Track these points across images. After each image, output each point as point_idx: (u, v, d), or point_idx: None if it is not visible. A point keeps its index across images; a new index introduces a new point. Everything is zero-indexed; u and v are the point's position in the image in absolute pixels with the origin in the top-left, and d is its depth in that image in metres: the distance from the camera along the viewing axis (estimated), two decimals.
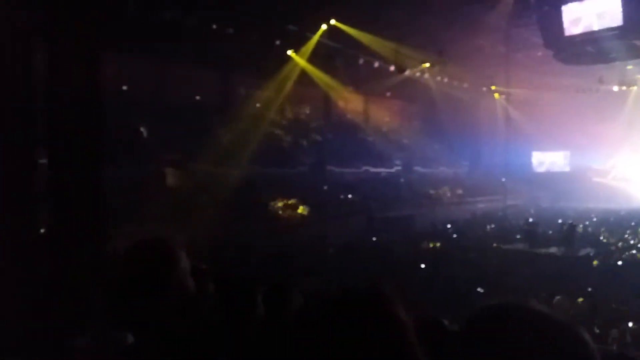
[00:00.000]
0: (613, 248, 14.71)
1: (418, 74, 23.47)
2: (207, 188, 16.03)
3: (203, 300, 1.74)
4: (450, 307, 9.22)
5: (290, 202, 18.37)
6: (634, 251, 13.98)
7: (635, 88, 26.78)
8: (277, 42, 18.94)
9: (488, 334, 0.88)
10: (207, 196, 15.63)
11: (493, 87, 27.19)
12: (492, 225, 20.02)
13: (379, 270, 11.80)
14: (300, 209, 17.94)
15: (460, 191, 25.69)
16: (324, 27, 18.03)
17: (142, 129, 17.29)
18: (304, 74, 21.20)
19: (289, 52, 19.96)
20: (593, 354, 0.87)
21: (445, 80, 24.58)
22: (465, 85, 26.04)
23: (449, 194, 25.13)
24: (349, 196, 20.80)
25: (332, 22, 17.86)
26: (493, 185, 26.94)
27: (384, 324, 0.96)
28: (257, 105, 21.66)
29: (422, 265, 12.22)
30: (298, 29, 18.65)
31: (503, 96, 28.03)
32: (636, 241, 15.54)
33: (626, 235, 16.53)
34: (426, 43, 20.47)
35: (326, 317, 0.99)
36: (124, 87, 17.76)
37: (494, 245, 16.03)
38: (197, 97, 19.82)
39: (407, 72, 21.51)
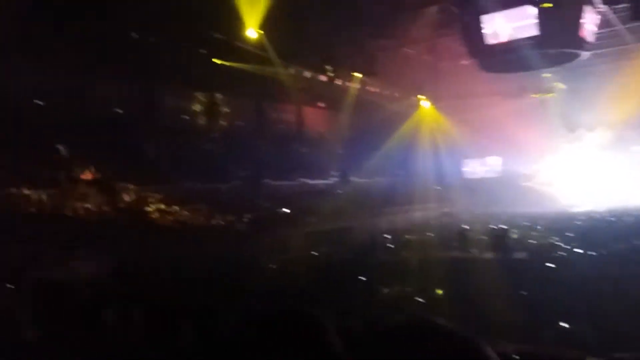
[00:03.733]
0: (542, 250, 15.11)
1: (349, 84, 23.49)
2: (131, 208, 15.02)
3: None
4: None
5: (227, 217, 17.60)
6: (562, 252, 14.43)
7: (552, 95, 28.24)
8: (204, 51, 18.29)
9: (395, 348, 0.91)
10: (129, 217, 14.63)
11: (422, 97, 27.75)
12: (429, 234, 20.16)
13: (319, 285, 11.36)
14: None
15: (396, 200, 25.86)
16: (251, 34, 17.48)
17: (59, 146, 16.01)
18: (234, 82, 20.64)
19: (216, 61, 19.30)
20: None
21: (377, 90, 24.80)
22: (397, 94, 26.42)
23: (384, 204, 25.20)
24: (286, 210, 20.30)
25: (255, 30, 17.39)
26: (428, 193, 27.38)
27: (313, 347, 0.99)
28: (185, 117, 20.80)
29: (363, 278, 11.92)
30: (225, 37, 18.09)
31: (433, 105, 28.68)
32: (562, 243, 16.07)
33: (555, 237, 17.08)
34: (356, 53, 20.58)
35: (255, 341, 1.04)
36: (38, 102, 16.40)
37: (436, 254, 16.07)
38: (119, 110, 18.64)
39: (339, 82, 21.43)
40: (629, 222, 19.22)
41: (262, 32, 17.44)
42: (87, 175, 15.20)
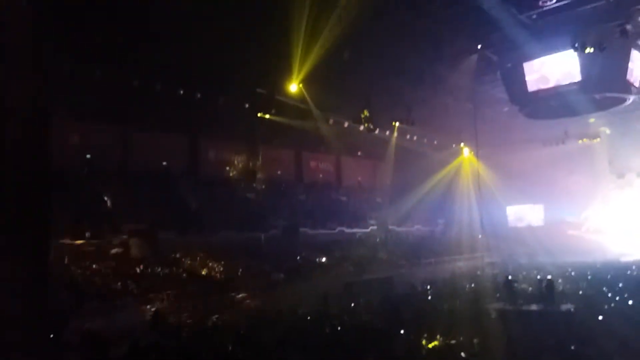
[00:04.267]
0: (591, 302, 14.35)
1: (388, 133, 23.65)
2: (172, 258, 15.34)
3: None
4: None
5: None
6: (612, 304, 13.65)
7: (598, 140, 27.50)
8: (246, 105, 18.93)
9: None
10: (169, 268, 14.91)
11: (463, 144, 27.57)
12: (472, 285, 19.51)
13: (359, 340, 11.12)
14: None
15: (437, 249, 25.30)
16: (292, 88, 18.00)
17: (105, 198, 16.65)
18: (275, 134, 21.19)
19: (259, 114, 19.93)
20: None
21: (415, 138, 24.84)
22: (436, 142, 26.37)
23: (426, 254, 24.70)
24: (323, 259, 20.17)
25: (299, 85, 17.91)
26: (470, 242, 26.70)
27: None
28: (227, 168, 21.35)
29: (402, 331, 11.58)
30: (267, 91, 18.70)
31: (473, 152, 28.39)
32: (613, 294, 15.23)
33: (604, 289, 16.22)
34: (395, 103, 20.79)
35: None
36: (88, 156, 17.21)
37: (478, 305, 15.52)
38: (164, 163, 19.30)
39: (376, 131, 21.56)
40: None
41: (302, 85, 17.96)
42: (130, 227, 15.65)
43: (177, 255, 15.90)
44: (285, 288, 16.18)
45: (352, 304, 16.06)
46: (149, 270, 14.51)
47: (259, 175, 21.88)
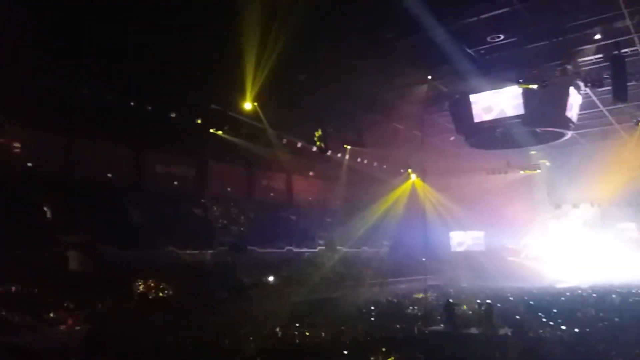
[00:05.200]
0: (527, 326, 14.96)
1: (339, 155, 23.97)
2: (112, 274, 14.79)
3: None
4: None
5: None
6: (547, 328, 14.28)
7: (538, 171, 28.92)
8: (198, 121, 18.77)
9: None
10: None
11: (410, 171, 28.29)
12: (414, 307, 19.89)
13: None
14: None
15: (382, 271, 25.64)
16: (246, 106, 17.97)
17: (45, 208, 15.98)
18: (227, 150, 21.04)
19: (212, 130, 19.78)
20: None
21: (366, 161, 25.29)
22: (385, 167, 26.93)
23: (371, 275, 24.97)
24: (270, 278, 20.03)
25: (253, 103, 17.92)
26: (413, 265, 27.29)
27: None
28: (175, 183, 20.98)
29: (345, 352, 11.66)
30: (220, 108, 18.61)
31: (420, 178, 29.18)
32: (546, 319, 15.93)
33: (540, 314, 16.92)
34: (347, 126, 21.15)
35: None
36: (29, 164, 16.53)
37: (419, 327, 15.85)
38: (109, 175, 18.76)
39: (329, 153, 21.80)
40: (613, 300, 19.24)
41: (257, 104, 17.98)
42: (69, 238, 15.06)
43: (117, 271, 15.38)
44: (228, 307, 15.94)
45: (297, 324, 16.01)
46: (86, 284, 13.96)
47: (208, 192, 21.62)
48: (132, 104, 16.58)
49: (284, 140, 22.08)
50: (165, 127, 17.83)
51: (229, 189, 23.59)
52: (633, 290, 20.68)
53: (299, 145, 22.32)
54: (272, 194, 27.06)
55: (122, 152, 19.58)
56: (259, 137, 20.60)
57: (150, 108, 17.01)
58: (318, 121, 19.79)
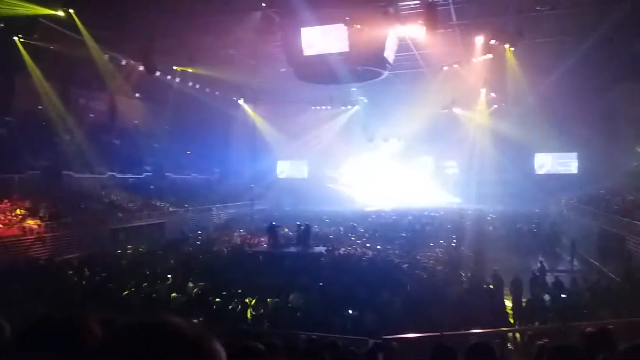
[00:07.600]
0: (339, 244, 17.04)
1: (169, 77, 22.92)
2: None
3: None
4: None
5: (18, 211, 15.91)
6: (353, 246, 16.47)
7: (357, 107, 31.50)
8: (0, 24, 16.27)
9: (124, 350, 0.84)
10: None
11: (242, 99, 28.42)
12: (241, 230, 20.89)
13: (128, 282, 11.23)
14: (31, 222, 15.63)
15: (212, 197, 25.99)
16: (60, 12, 16.01)
17: None
18: (38, 62, 18.76)
19: (17, 38, 17.36)
20: None
21: (197, 86, 24.52)
22: (217, 93, 26.45)
23: (201, 201, 25.17)
24: (89, 203, 19.09)
25: (69, 11, 16.07)
26: (242, 191, 28.27)
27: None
28: None
29: (169, 276, 12.01)
30: (29, 12, 16.25)
31: (251, 107, 29.62)
32: (355, 238, 18.26)
33: (350, 234, 19.24)
34: (179, 47, 20.16)
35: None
36: None
37: (245, 249, 16.87)
38: None
39: (158, 74, 20.62)
40: (410, 221, 22.72)
41: (73, 11, 16.12)
42: None
43: None
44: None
45: (118, 250, 15.83)
46: None
47: (14, 109, 19.17)
48: None
49: (107, 57, 20.21)
50: None
51: (40, 107, 20.86)
52: (425, 213, 24.51)
53: (124, 62, 20.73)
54: (92, 115, 24.97)
55: None
56: (76, 50, 18.45)
57: None
58: (148, 39, 18.49)
